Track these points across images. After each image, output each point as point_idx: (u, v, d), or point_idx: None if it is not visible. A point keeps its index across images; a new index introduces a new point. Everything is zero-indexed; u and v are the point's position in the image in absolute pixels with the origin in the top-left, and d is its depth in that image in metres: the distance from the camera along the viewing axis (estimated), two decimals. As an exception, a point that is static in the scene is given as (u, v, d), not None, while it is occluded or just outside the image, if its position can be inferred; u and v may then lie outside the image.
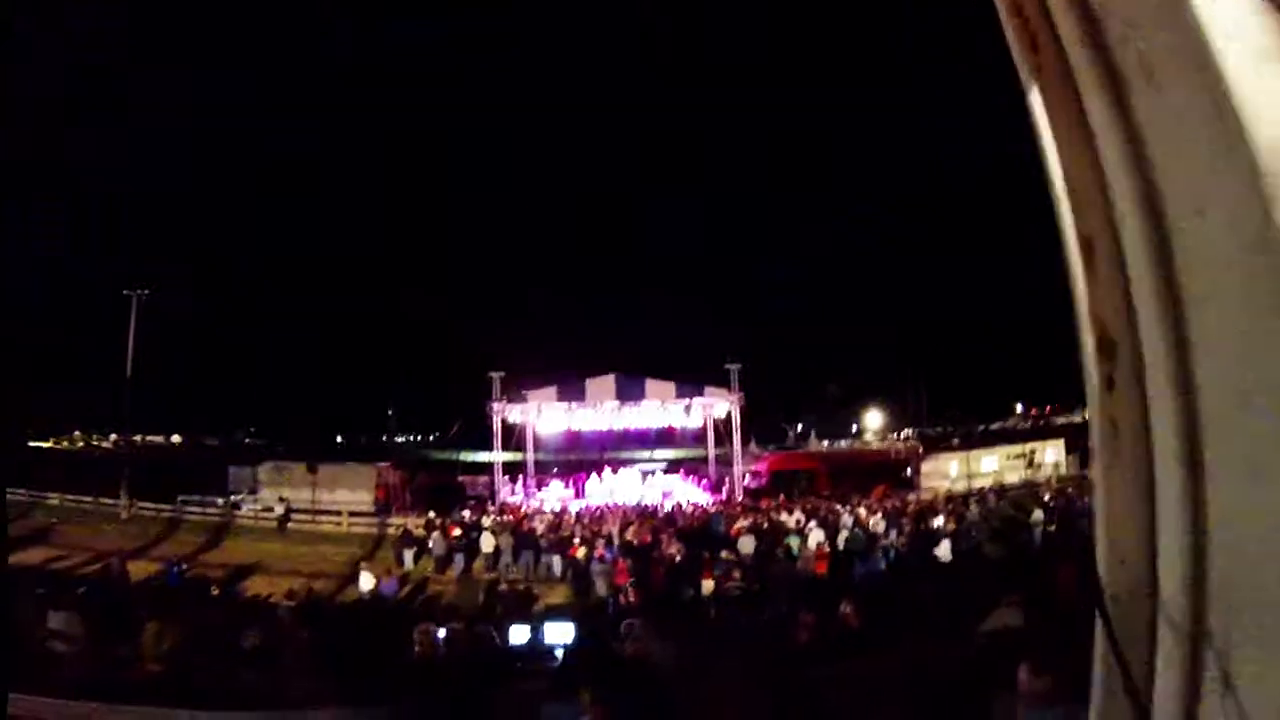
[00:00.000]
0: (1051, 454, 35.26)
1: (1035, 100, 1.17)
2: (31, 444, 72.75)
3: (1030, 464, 34.42)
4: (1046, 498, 23.60)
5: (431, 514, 25.42)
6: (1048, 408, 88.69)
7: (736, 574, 15.35)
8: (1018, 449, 35.91)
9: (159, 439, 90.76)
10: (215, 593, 14.08)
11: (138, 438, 51.38)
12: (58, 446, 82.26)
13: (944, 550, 17.92)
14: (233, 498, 32.60)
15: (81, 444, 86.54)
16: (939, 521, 21.16)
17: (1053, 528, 20.04)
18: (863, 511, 22.42)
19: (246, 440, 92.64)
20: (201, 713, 5.57)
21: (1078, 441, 37.76)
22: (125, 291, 33.43)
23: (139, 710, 4.90)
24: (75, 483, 34.67)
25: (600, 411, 32.89)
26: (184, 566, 19.73)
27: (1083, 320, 1.14)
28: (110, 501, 32.29)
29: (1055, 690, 3.96)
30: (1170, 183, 1.01)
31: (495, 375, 32.39)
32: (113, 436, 67.56)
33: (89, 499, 33.14)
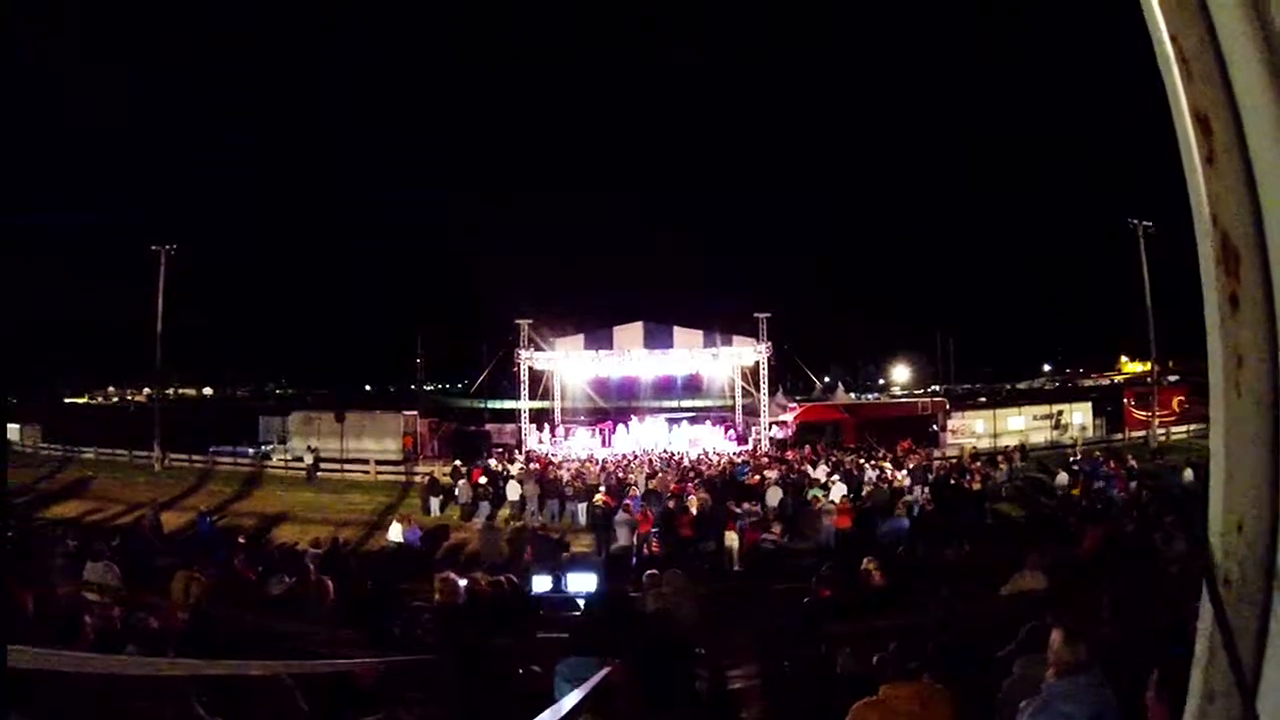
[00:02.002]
0: (1079, 417, 34.87)
1: None
2: (66, 400, 74.31)
3: (1057, 425, 34.09)
4: (1072, 460, 23.32)
5: (458, 462, 25.59)
6: (1080, 369, 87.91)
7: (777, 529, 15.30)
8: (1044, 409, 35.54)
9: (191, 392, 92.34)
10: (243, 541, 14.26)
11: (170, 391, 52.07)
12: (92, 402, 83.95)
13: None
14: (263, 448, 33.06)
15: (115, 399, 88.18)
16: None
17: (1077, 491, 19.82)
18: (888, 466, 22.29)
19: (277, 391, 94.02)
20: (226, 661, 5.61)
21: (1104, 405, 37.37)
22: (154, 246, 33.53)
23: (163, 660, 4.93)
24: (110, 437, 35.50)
25: (627, 359, 32.76)
26: (215, 517, 20.09)
27: (1200, 222, 0.93)
28: (144, 454, 32.92)
29: (1087, 658, 3.87)
30: None
31: (523, 323, 32.34)
32: (145, 391, 68.75)
33: (123, 452, 33.92)
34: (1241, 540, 0.93)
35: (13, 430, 37.57)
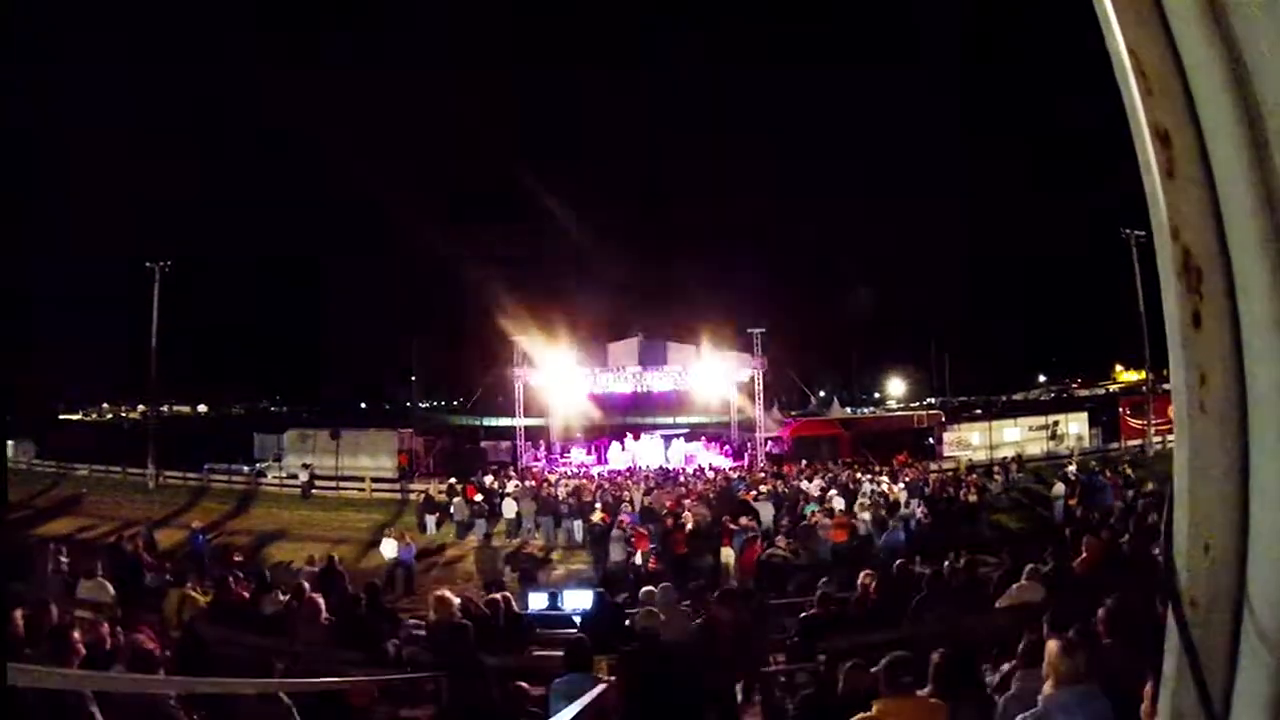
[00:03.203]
0: (1075, 427, 34.88)
1: None
2: (60, 416, 74.15)
3: (1053, 436, 34.11)
4: (1068, 471, 23.33)
5: (454, 480, 25.52)
6: (1076, 380, 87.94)
7: (782, 542, 15.23)
8: (1040, 420, 35.56)
9: (185, 409, 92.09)
10: (238, 559, 14.19)
11: (164, 408, 51.95)
12: (86, 419, 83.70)
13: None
14: (258, 465, 32.94)
15: (110, 415, 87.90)
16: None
17: (1074, 501, 19.79)
18: (884, 480, 22.27)
19: (271, 408, 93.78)
20: (218, 679, 5.59)
21: (1100, 415, 37.37)
22: (148, 263, 33.46)
23: (159, 679, 4.90)
24: (104, 454, 35.33)
25: (622, 375, 32.74)
26: (209, 534, 19.99)
27: (1161, 237, 0.92)
28: (138, 471, 32.75)
29: (1085, 670, 3.86)
30: (1264, 62, 0.81)
31: (518, 339, 32.39)
32: (140, 407, 68.55)
33: (117, 469, 33.79)
34: (1208, 562, 0.91)
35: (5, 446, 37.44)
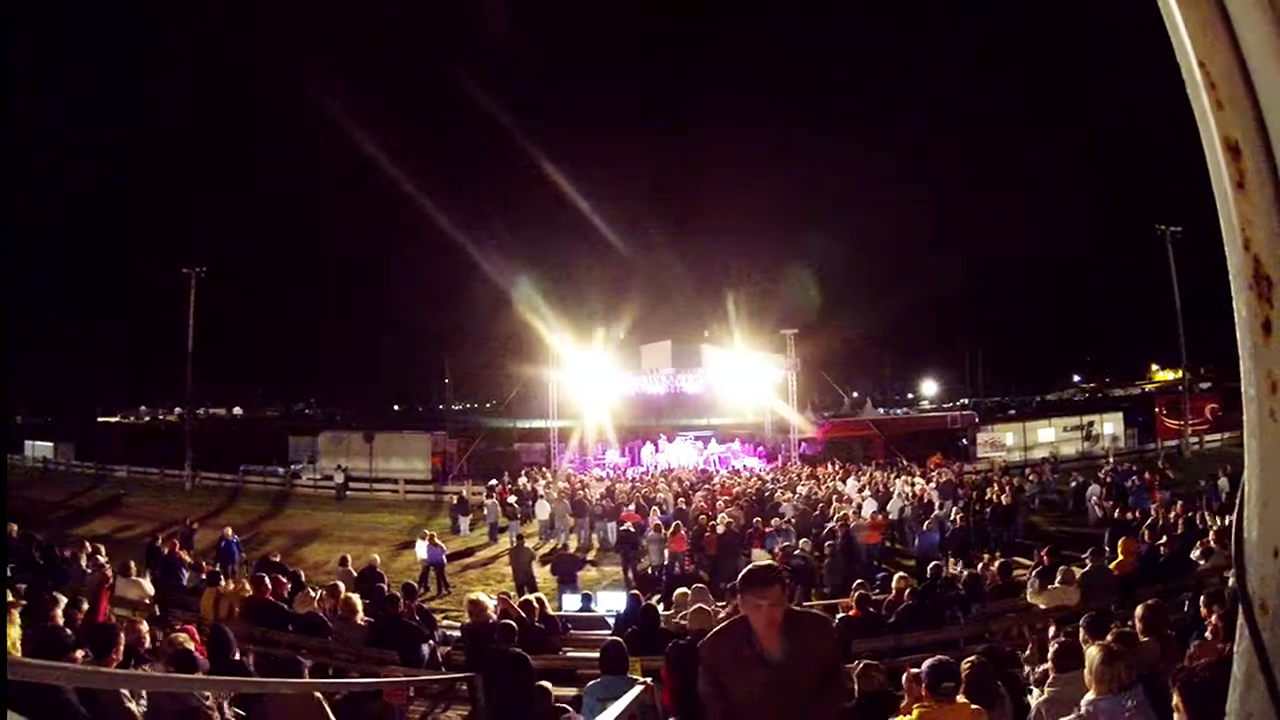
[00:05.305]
0: (1110, 427, 34.37)
1: None
2: (99, 419, 75.66)
3: (1088, 436, 33.64)
4: (1104, 472, 22.97)
5: (493, 481, 25.61)
6: (1109, 379, 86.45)
7: (805, 545, 15.14)
8: (1075, 420, 35.09)
9: (221, 411, 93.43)
10: (275, 560, 14.35)
11: (200, 411, 52.79)
12: (124, 421, 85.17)
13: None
14: (292, 467, 33.33)
15: (147, 418, 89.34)
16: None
17: (1109, 503, 19.48)
18: (919, 481, 22.06)
19: (306, 411, 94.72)
20: (256, 678, 5.67)
21: (1136, 415, 36.78)
22: (185, 270, 34.02)
23: (197, 678, 4.98)
24: (142, 455, 36.01)
25: (655, 378, 32.68)
26: (240, 537, 20.23)
27: (1233, 248, 0.93)
28: (175, 472, 33.42)
29: (1129, 677, 3.80)
30: None
31: (551, 341, 32.44)
32: (177, 410, 69.68)
33: (155, 470, 34.40)
34: (1278, 567, 0.92)
35: (46, 448, 38.40)
